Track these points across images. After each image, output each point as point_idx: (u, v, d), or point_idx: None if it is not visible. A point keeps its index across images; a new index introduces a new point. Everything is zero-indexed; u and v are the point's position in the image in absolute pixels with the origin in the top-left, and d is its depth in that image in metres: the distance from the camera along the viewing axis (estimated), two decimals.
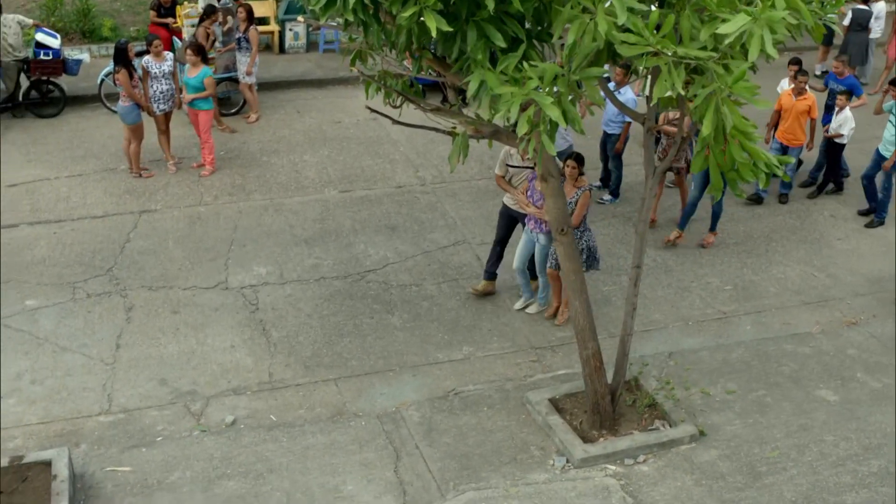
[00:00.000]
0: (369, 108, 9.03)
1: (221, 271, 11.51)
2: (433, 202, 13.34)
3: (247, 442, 8.80)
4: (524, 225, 10.58)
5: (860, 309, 11.14)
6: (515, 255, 10.64)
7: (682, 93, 6.69)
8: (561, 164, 10.11)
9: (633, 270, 8.60)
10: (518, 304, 10.90)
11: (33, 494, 7.73)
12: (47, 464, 8.01)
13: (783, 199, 13.72)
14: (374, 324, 10.58)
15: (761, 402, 9.46)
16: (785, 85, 14.02)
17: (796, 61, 13.64)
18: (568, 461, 8.61)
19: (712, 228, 12.46)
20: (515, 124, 6.67)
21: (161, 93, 13.65)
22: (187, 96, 13.72)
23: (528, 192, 10.30)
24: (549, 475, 8.48)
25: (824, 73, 19.24)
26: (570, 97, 6.70)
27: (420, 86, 8.86)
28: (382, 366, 9.93)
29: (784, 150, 13.32)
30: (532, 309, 10.83)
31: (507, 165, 10.61)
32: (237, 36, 15.53)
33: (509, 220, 10.88)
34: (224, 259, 11.78)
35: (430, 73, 8.59)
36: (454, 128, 8.41)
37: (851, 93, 13.73)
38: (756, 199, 13.58)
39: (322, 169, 14.34)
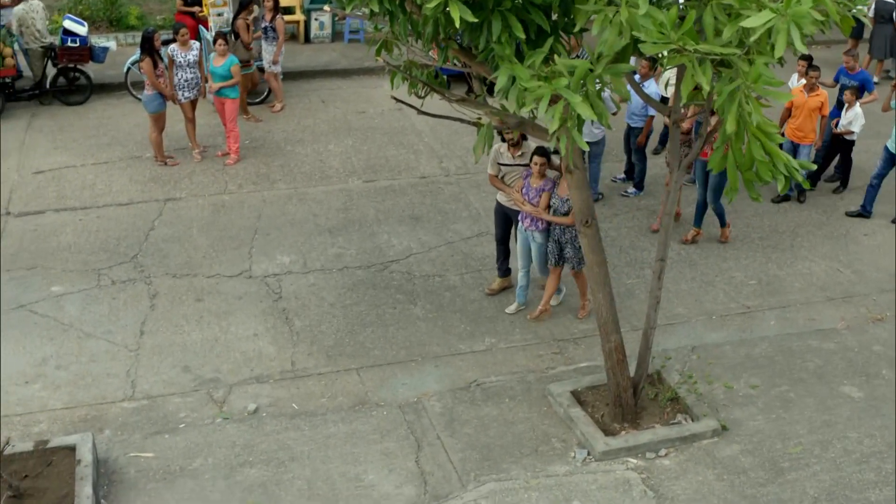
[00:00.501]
0: (394, 98, 9.03)
1: (245, 260, 11.55)
2: (457, 193, 13.33)
3: (269, 430, 8.84)
4: (518, 222, 10.48)
5: (886, 305, 11.04)
6: (517, 255, 10.58)
7: (707, 88, 6.63)
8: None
9: (657, 263, 8.56)
10: (511, 309, 10.69)
11: (57, 479, 7.79)
12: (71, 449, 8.07)
13: (801, 197, 13.55)
14: (397, 314, 10.59)
15: (785, 398, 9.40)
16: (795, 81, 13.88)
17: (806, 57, 13.31)
18: (589, 454, 8.60)
19: (723, 224, 12.28)
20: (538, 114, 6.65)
21: (186, 81, 13.70)
22: (214, 85, 13.76)
23: (523, 190, 10.16)
24: (570, 467, 8.47)
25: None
26: (597, 91, 6.67)
27: (445, 76, 8.85)
28: (404, 356, 9.94)
29: (794, 147, 13.07)
30: (554, 301, 10.77)
31: (499, 164, 10.47)
32: (263, 25, 15.55)
33: (504, 218, 10.79)
34: (248, 247, 11.82)
35: (455, 64, 8.58)
36: (479, 118, 8.39)
37: (862, 88, 13.56)
38: (784, 198, 13.44)
39: (346, 159, 14.35)
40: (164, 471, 8.31)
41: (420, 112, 8.59)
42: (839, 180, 13.87)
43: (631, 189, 13.46)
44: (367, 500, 8.05)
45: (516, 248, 10.61)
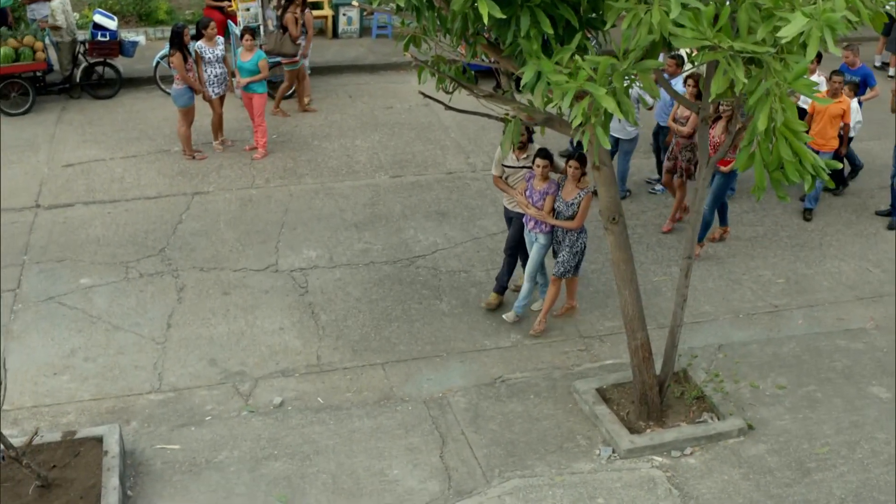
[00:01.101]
0: (422, 94, 9.02)
1: (272, 254, 11.59)
2: (483, 189, 13.31)
3: (294, 423, 8.87)
4: (518, 225, 10.30)
5: None
6: (528, 261, 10.26)
7: (743, 82, 6.58)
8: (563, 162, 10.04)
9: (685, 261, 8.52)
10: (508, 317, 10.39)
11: (85, 469, 7.85)
12: (99, 440, 8.13)
13: (807, 214, 12.94)
14: (423, 309, 10.60)
15: (812, 398, 9.34)
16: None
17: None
18: (614, 451, 8.57)
19: (699, 240, 11.72)
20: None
21: (215, 76, 13.76)
22: (242, 80, 13.82)
23: (527, 193, 9.97)
24: (594, 465, 8.45)
25: (885, 64, 18.91)
26: (625, 89, 6.64)
27: (473, 72, 8.84)
28: (430, 351, 9.94)
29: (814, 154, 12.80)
30: (509, 316, 10.38)
31: (504, 166, 10.27)
32: None
33: (510, 222, 10.56)
34: (275, 242, 11.86)
35: (483, 59, 8.56)
36: (507, 114, 8.37)
37: (864, 84, 13.33)
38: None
39: (373, 154, 14.37)
40: (189, 463, 8.36)
41: (447, 107, 8.58)
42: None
43: (659, 186, 13.39)
44: (391, 494, 8.06)
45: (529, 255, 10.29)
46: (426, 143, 14.82)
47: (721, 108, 11.22)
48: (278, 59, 15.78)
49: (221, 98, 14.01)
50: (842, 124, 12.68)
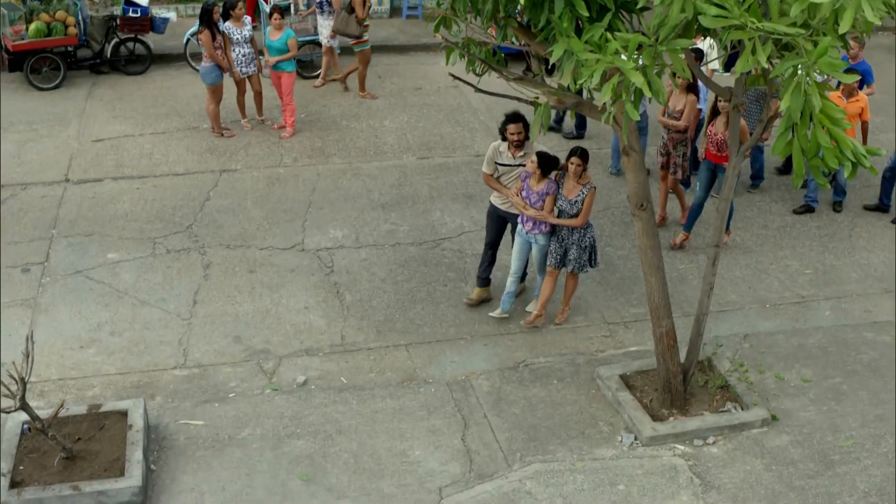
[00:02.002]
0: (452, 76, 8.99)
1: (298, 233, 11.62)
2: None
3: (317, 403, 8.90)
4: (514, 225, 9.95)
5: None
6: (512, 259, 10.01)
7: (768, 67, 6.49)
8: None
9: (712, 250, 8.47)
10: (495, 314, 10.14)
11: (109, 443, 7.91)
12: (123, 413, 8.19)
13: (837, 206, 12.67)
14: (448, 292, 10.59)
15: (837, 390, 9.27)
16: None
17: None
18: (636, 438, 8.55)
19: (727, 229, 11.52)
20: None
21: (243, 56, 13.77)
22: (270, 59, 13.82)
23: (523, 193, 9.62)
24: (616, 451, 8.43)
25: None
26: (655, 69, 6.57)
27: (503, 54, 8.79)
28: (454, 334, 9.94)
29: None
30: (495, 314, 10.14)
31: (497, 164, 9.91)
32: (319, 0, 15.55)
33: (499, 221, 10.16)
34: (301, 221, 11.88)
35: (514, 42, 8.51)
36: (536, 98, 8.33)
37: (861, 80, 13.06)
38: (807, 209, 12.59)
39: (401, 135, 14.35)
40: (213, 439, 8.41)
41: (477, 90, 8.54)
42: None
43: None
44: (412, 476, 8.08)
45: (512, 251, 10.05)
46: (454, 125, 14.79)
47: (720, 103, 10.98)
48: (308, 38, 15.79)
49: (251, 77, 14.00)
50: (859, 122, 12.26)
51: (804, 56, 6.20)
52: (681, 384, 8.75)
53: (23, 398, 7.21)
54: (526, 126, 9.62)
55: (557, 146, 13.23)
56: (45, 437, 7.55)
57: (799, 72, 6.25)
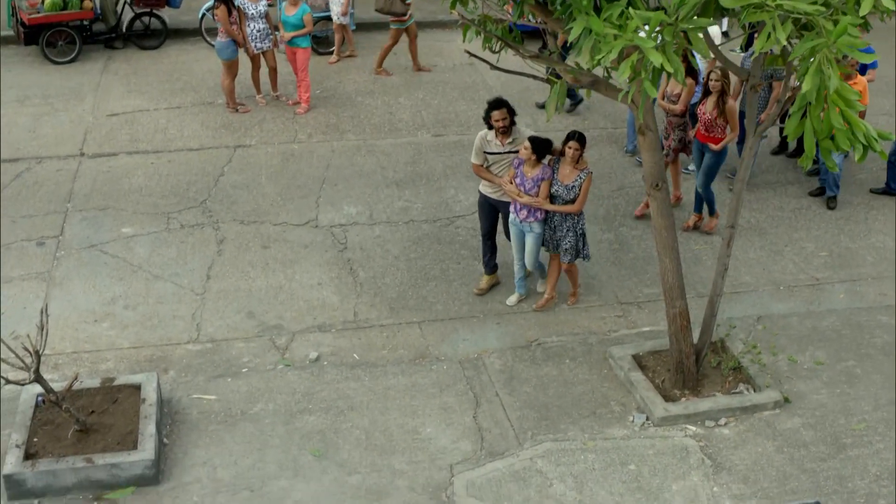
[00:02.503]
0: (468, 53, 8.95)
1: (312, 209, 11.61)
2: None
3: (329, 379, 8.92)
4: (505, 213, 9.77)
5: None
6: (513, 250, 9.89)
7: (787, 45, 6.43)
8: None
9: (727, 230, 8.43)
10: (511, 300, 10.08)
11: (123, 416, 7.95)
12: (137, 387, 8.23)
13: (832, 202, 12.20)
14: (461, 269, 10.58)
15: (850, 373, 9.24)
16: None
17: None
18: (648, 419, 8.55)
19: (711, 213, 11.48)
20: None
21: (258, 31, 13.72)
22: (286, 34, 13.78)
23: (517, 180, 9.37)
24: (627, 431, 8.44)
25: None
26: (674, 47, 6.52)
27: (519, 32, 8.74)
28: (467, 312, 9.94)
29: None
30: (512, 300, 10.09)
31: (486, 153, 9.64)
32: None
33: (491, 210, 9.95)
34: (315, 197, 11.88)
35: (530, 20, 8.46)
36: (552, 76, 8.28)
37: (863, 66, 12.84)
38: (822, 191, 12.33)
39: (416, 112, 14.31)
40: (225, 413, 8.44)
41: (493, 67, 8.49)
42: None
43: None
44: (424, 452, 8.10)
45: (510, 240, 9.92)
46: (469, 102, 14.73)
47: (710, 82, 10.83)
48: (323, 14, 15.74)
49: (265, 53, 13.97)
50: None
51: (824, 36, 6.14)
52: (693, 365, 8.73)
53: (37, 371, 7.25)
54: (510, 111, 9.44)
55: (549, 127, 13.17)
56: (59, 409, 7.60)
57: (818, 52, 6.19)
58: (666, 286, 8.56)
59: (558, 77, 7.69)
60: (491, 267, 10.24)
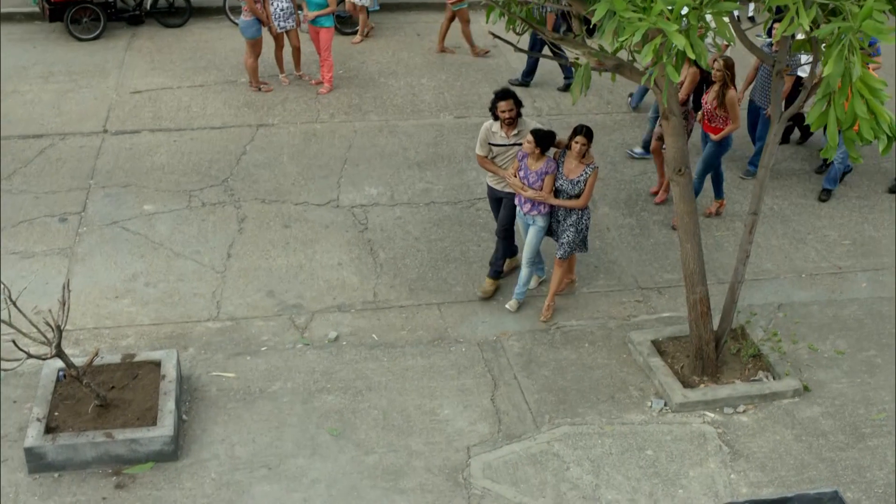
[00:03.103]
0: (492, 34, 8.91)
1: (333, 189, 11.62)
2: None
3: (348, 359, 8.95)
4: (507, 203, 9.59)
5: None
6: (525, 247, 9.57)
7: (809, 31, 6.36)
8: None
9: (750, 217, 8.38)
10: (511, 305, 9.71)
11: (142, 392, 8.00)
12: (157, 364, 8.27)
13: (824, 195, 11.96)
14: (481, 252, 10.56)
15: (871, 363, 9.18)
16: None
17: None
18: (666, 404, 8.53)
19: (718, 196, 11.41)
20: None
21: (281, 10, 13.70)
22: (309, 14, 13.76)
23: (521, 173, 9.19)
24: (645, 416, 8.42)
25: None
26: (698, 31, 6.47)
27: (543, 14, 8.69)
28: None
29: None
30: (532, 283, 9.92)
31: (491, 144, 9.43)
32: None
33: (498, 203, 9.80)
34: (337, 177, 11.88)
35: (554, 2, 8.41)
36: (576, 59, 8.24)
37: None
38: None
39: (439, 93, 14.27)
40: (244, 391, 8.48)
41: (516, 49, 8.46)
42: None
43: (638, 149, 12.82)
44: (441, 434, 8.12)
45: (524, 240, 9.59)
46: (493, 84, 14.63)
47: (713, 72, 10.54)
48: None
49: (289, 32, 13.96)
50: None
51: (850, 20, 6.07)
52: (713, 352, 8.70)
53: (59, 345, 7.30)
54: (517, 102, 9.27)
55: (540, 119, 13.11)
56: (79, 384, 7.65)
57: (842, 37, 6.12)
58: (687, 272, 8.52)
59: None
60: (496, 271, 9.90)
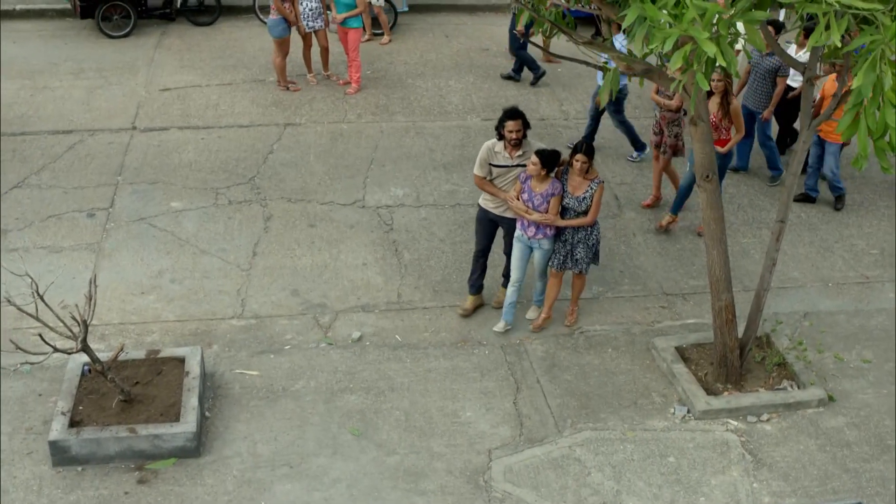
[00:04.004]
0: (521, 35, 8.88)
1: (359, 189, 11.64)
2: (575, 137, 13.09)
3: (371, 359, 8.96)
4: (509, 229, 9.26)
5: None
6: (512, 267, 9.25)
7: (839, 44, 6.32)
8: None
9: (777, 224, 8.33)
10: (499, 327, 9.41)
11: (166, 388, 8.04)
12: (181, 360, 8.31)
13: (839, 203, 11.84)
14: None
15: None
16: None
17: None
18: (689, 411, 8.49)
19: (674, 212, 11.10)
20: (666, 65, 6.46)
21: (310, 10, 13.75)
22: (338, 16, 13.79)
23: (524, 196, 8.85)
24: (668, 423, 8.38)
25: None
26: (728, 39, 6.44)
27: (573, 18, 8.67)
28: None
29: (821, 144, 11.45)
30: (531, 314, 9.62)
31: (492, 165, 9.02)
32: None
33: (490, 226, 9.38)
34: (363, 177, 11.90)
35: (584, 6, 8.39)
36: (605, 63, 8.22)
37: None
38: (805, 198, 11.89)
39: (466, 95, 14.28)
40: (267, 389, 8.51)
41: (545, 52, 8.45)
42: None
43: (635, 153, 12.81)
44: (463, 436, 8.11)
45: (511, 259, 9.30)
46: (520, 87, 14.66)
47: (713, 83, 10.19)
48: None
49: (317, 32, 14.00)
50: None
51: (883, 31, 6.03)
52: (737, 359, 8.65)
53: (84, 340, 7.35)
54: (525, 123, 8.90)
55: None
56: (104, 379, 7.70)
57: (875, 49, 6.07)
58: (713, 278, 8.47)
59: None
60: (477, 287, 9.65)
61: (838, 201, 11.83)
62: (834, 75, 11.16)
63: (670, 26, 6.22)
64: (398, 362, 8.93)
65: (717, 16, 6.24)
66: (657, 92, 11.15)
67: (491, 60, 15.59)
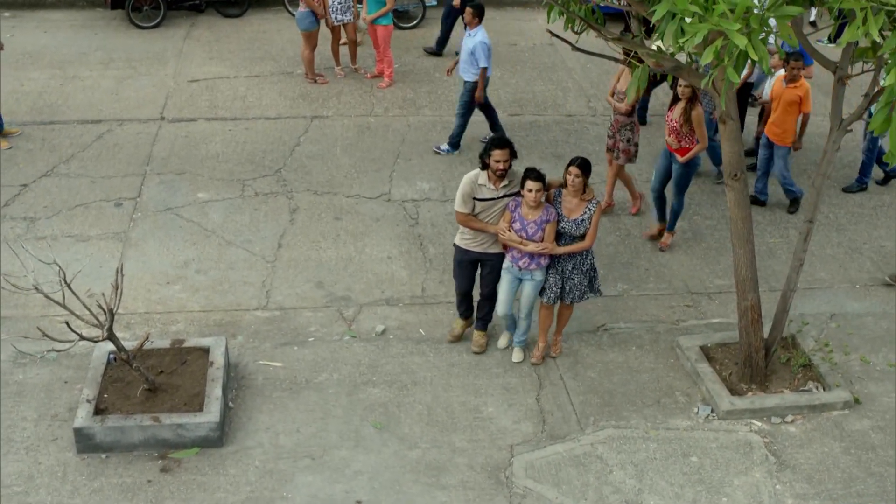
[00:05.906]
0: (550, 32, 8.86)
1: (385, 182, 11.65)
2: (602, 134, 13.05)
3: (394, 352, 8.96)
4: (493, 265, 8.62)
5: None
6: (499, 301, 8.66)
7: (879, 40, 6.26)
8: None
9: (805, 225, 8.27)
10: (502, 342, 9.09)
11: (190, 377, 8.08)
12: (205, 350, 8.35)
13: (793, 206, 11.64)
14: None
15: None
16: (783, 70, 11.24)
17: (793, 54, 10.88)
18: (713, 411, 8.44)
19: (670, 228, 10.73)
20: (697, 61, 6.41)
21: (339, 3, 13.77)
22: (368, 17, 13.78)
23: (516, 226, 8.26)
24: (691, 423, 8.34)
25: None
26: (761, 35, 6.38)
27: (602, 13, 8.63)
28: None
29: (770, 147, 11.26)
30: (516, 356, 8.96)
31: (476, 200, 8.37)
32: None
33: (471, 268, 8.76)
34: (389, 171, 11.91)
35: (614, 2, 8.35)
36: (634, 59, 8.17)
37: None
38: (758, 202, 11.56)
39: (493, 90, 14.22)
40: (290, 381, 8.53)
41: (574, 48, 8.41)
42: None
43: (444, 146, 12.66)
44: (484, 431, 8.11)
45: (499, 291, 8.68)
46: (547, 83, 14.63)
47: (679, 88, 10.00)
48: None
49: (346, 25, 14.01)
50: (801, 115, 11.05)
51: None
52: (762, 360, 8.60)
53: (110, 329, 7.39)
54: (513, 153, 8.32)
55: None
56: (129, 367, 7.74)
57: None
58: (739, 278, 8.42)
59: (640, 61, 7.58)
60: (465, 312, 9.14)
61: (792, 204, 11.63)
62: (782, 76, 11.09)
63: (701, 20, 6.17)
64: (421, 356, 8.93)
65: (747, 10, 6.19)
66: (612, 94, 10.86)
67: (519, 55, 15.55)
